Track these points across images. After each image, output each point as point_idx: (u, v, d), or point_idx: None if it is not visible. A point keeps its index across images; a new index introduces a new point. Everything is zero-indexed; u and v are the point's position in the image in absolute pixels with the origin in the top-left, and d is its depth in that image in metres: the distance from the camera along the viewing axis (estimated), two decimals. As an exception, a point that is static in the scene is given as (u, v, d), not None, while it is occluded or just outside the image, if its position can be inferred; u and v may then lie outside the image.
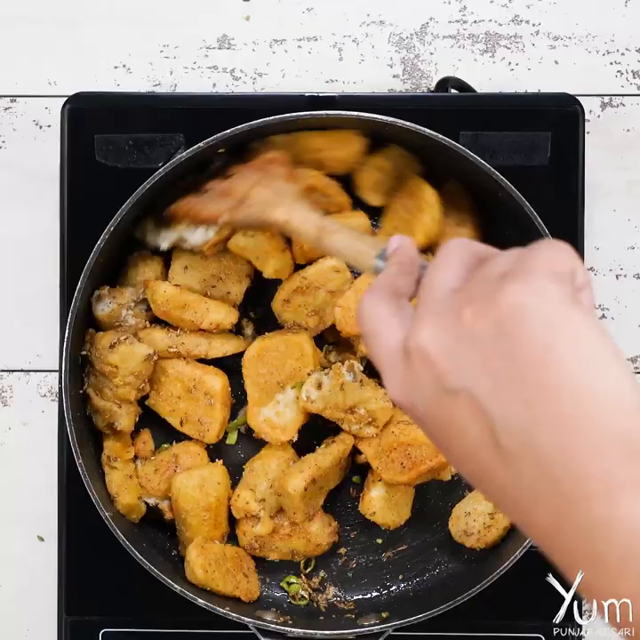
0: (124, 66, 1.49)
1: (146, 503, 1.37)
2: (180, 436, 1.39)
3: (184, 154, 1.27)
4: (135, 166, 1.36)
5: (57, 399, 1.45)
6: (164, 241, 1.34)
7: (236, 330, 1.40)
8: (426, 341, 0.67)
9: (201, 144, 1.27)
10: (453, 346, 0.65)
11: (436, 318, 0.67)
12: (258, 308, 1.40)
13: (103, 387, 1.32)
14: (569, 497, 0.60)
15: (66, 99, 1.38)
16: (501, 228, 1.38)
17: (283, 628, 1.30)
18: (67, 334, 1.27)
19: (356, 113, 1.29)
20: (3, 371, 1.49)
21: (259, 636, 1.30)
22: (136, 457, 1.38)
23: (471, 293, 0.67)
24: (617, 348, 0.65)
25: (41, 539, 1.48)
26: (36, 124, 1.48)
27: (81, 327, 1.33)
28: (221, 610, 1.29)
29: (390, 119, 1.28)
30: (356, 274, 1.38)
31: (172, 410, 1.36)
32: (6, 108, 1.48)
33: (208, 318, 1.33)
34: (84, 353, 1.33)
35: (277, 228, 1.19)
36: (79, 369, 1.34)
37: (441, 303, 0.68)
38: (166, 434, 1.40)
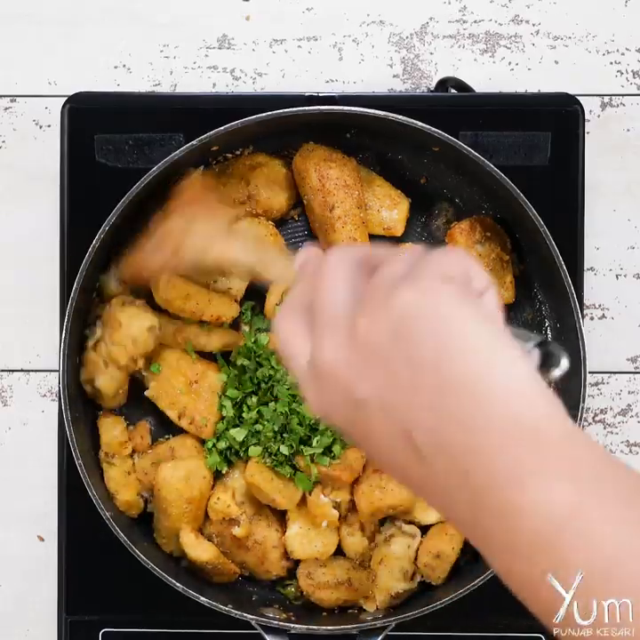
0: (124, 66, 1.49)
1: (144, 498, 1.37)
2: (177, 430, 1.38)
3: (177, 152, 1.28)
4: (135, 166, 1.36)
5: (57, 399, 1.45)
6: None
7: (234, 326, 1.40)
8: (328, 358, 0.68)
9: (194, 142, 1.28)
10: (355, 358, 0.67)
11: (334, 334, 0.68)
12: (257, 305, 1.40)
13: (100, 340, 1.32)
14: (480, 489, 0.62)
15: (66, 99, 1.38)
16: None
17: (286, 624, 1.30)
18: (64, 334, 1.27)
19: (347, 108, 1.30)
20: (3, 371, 1.49)
21: (262, 633, 1.30)
22: (133, 452, 1.39)
23: (364, 304, 0.68)
24: (511, 340, 0.65)
25: (41, 538, 1.48)
26: (36, 124, 1.48)
27: (79, 326, 1.33)
28: (223, 607, 1.29)
29: (382, 113, 1.28)
30: None
31: (171, 402, 1.36)
32: (6, 108, 1.48)
33: (209, 310, 1.34)
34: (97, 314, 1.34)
35: (218, 268, 1.20)
36: (77, 362, 1.34)
37: (336, 318, 0.69)
38: (164, 428, 1.40)
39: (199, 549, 1.30)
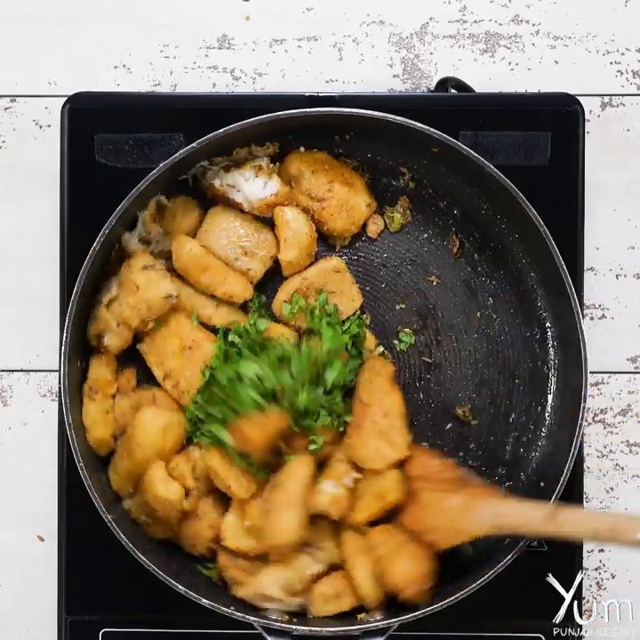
0: (124, 66, 1.49)
1: (115, 439, 1.36)
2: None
3: (177, 155, 1.27)
4: (135, 166, 1.37)
5: (57, 399, 1.45)
6: (218, 179, 1.35)
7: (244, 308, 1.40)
8: None
9: (194, 144, 1.27)
10: None
11: None
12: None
13: (114, 300, 1.32)
14: None
15: (66, 99, 1.38)
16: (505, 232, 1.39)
17: (288, 625, 1.30)
18: (64, 340, 1.27)
19: (348, 110, 1.30)
20: (3, 371, 1.49)
21: (264, 634, 1.30)
22: (117, 393, 1.37)
23: None
24: None
25: (41, 538, 1.48)
26: (36, 124, 1.48)
27: (79, 328, 1.33)
28: (226, 609, 1.28)
29: (380, 114, 1.29)
30: (375, 275, 1.40)
31: (160, 362, 1.35)
32: (6, 108, 1.48)
33: (224, 287, 1.34)
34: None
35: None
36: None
37: None
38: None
39: (169, 486, 1.29)
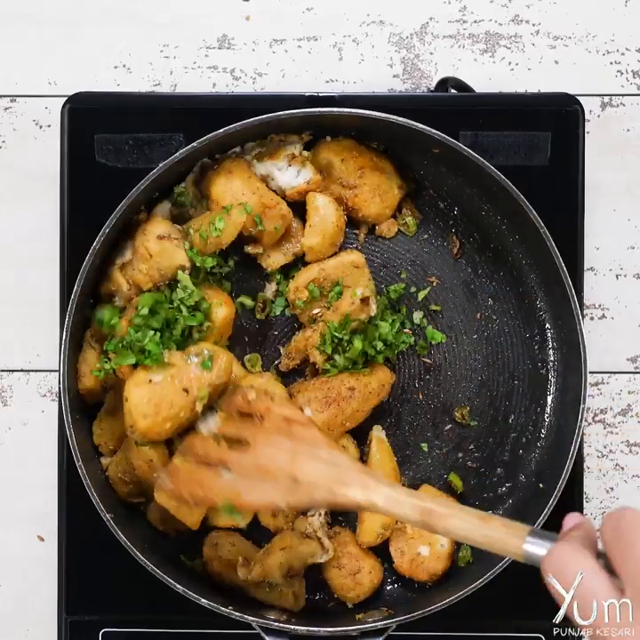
0: (124, 66, 1.49)
1: (106, 389, 1.35)
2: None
3: (177, 154, 1.28)
4: (135, 166, 1.37)
5: (57, 399, 1.45)
6: (252, 169, 1.36)
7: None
8: None
9: (195, 144, 1.28)
10: None
11: None
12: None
13: (128, 263, 1.32)
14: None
15: (66, 99, 1.38)
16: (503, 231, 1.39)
17: (286, 625, 1.30)
18: (64, 340, 1.27)
19: (348, 110, 1.30)
20: (3, 371, 1.49)
21: (263, 634, 1.30)
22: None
23: None
24: None
25: (41, 538, 1.48)
26: (36, 124, 1.48)
27: (79, 331, 1.33)
28: (225, 609, 1.28)
29: (381, 114, 1.29)
30: (375, 276, 1.39)
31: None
32: (6, 108, 1.48)
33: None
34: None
35: (358, 508, 1.11)
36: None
37: None
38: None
39: (155, 445, 1.29)
